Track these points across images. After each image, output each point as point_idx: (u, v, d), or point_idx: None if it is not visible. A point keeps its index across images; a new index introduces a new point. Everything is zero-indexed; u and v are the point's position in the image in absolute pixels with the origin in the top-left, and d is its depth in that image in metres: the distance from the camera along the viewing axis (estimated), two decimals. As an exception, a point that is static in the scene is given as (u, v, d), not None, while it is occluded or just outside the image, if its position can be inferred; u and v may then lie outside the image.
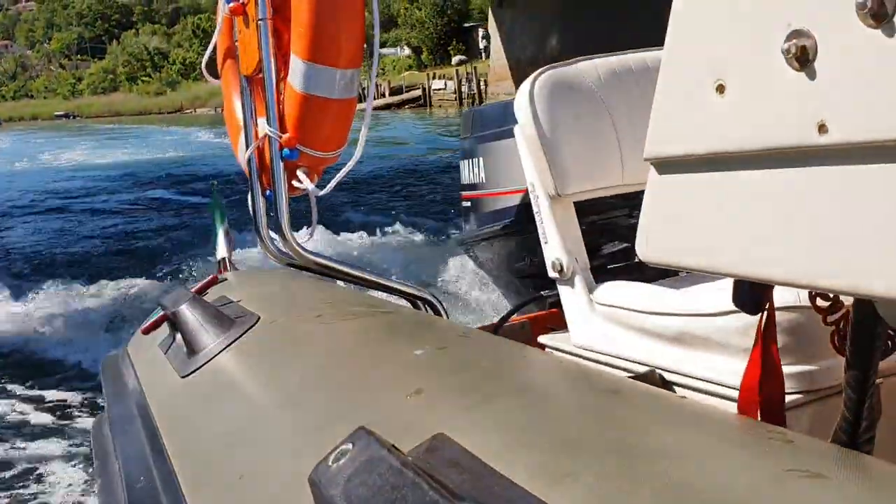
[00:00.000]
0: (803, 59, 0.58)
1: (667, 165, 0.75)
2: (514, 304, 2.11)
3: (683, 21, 0.72)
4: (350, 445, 0.64)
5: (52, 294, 6.22)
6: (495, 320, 2.03)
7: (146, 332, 1.72)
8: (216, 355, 1.27)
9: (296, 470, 0.68)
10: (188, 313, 1.41)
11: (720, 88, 0.67)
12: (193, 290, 1.67)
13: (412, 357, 1.03)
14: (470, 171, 2.35)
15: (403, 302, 1.82)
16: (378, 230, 7.34)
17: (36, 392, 4.20)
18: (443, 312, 1.86)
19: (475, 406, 0.81)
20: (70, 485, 3.00)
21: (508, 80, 26.32)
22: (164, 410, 1.28)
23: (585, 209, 1.70)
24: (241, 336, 1.29)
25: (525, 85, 1.55)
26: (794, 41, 0.59)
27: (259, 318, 1.35)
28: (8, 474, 3.20)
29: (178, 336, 1.41)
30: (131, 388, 1.53)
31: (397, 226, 7.50)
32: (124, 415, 1.41)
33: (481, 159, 2.29)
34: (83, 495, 2.89)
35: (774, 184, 0.64)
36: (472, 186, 2.36)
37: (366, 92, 1.73)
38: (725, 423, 0.77)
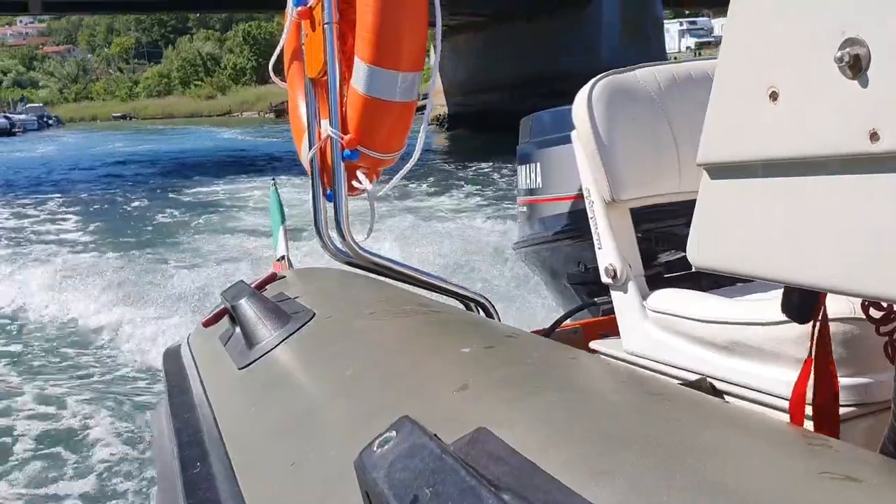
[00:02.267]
0: (856, 67, 0.59)
1: (719, 171, 0.75)
2: (568, 310, 2.10)
3: (737, 29, 0.73)
4: (394, 433, 0.66)
5: (113, 282, 6.47)
6: (548, 325, 2.02)
7: (207, 324, 1.76)
8: (272, 348, 1.30)
9: (344, 457, 0.70)
10: (247, 308, 1.44)
11: (773, 95, 0.67)
12: (253, 285, 1.70)
13: (459, 354, 1.04)
14: (527, 177, 2.35)
15: (456, 303, 1.83)
16: (433, 231, 7.38)
17: (99, 379, 4.33)
18: (494, 315, 1.86)
19: (518, 402, 0.82)
20: (129, 470, 3.08)
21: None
22: (222, 400, 1.31)
23: (643, 217, 1.68)
24: (296, 331, 1.32)
25: (583, 91, 1.55)
26: (848, 49, 0.59)
27: (314, 313, 1.37)
28: (71, 457, 3.30)
29: (237, 329, 1.44)
30: (191, 378, 1.56)
31: (452, 227, 7.53)
32: (183, 403, 1.45)
33: (538, 164, 2.28)
34: (142, 480, 2.96)
35: (827, 191, 0.64)
36: (529, 192, 2.36)
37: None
38: (767, 427, 0.77)
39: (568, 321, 2.03)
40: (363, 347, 1.21)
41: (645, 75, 1.61)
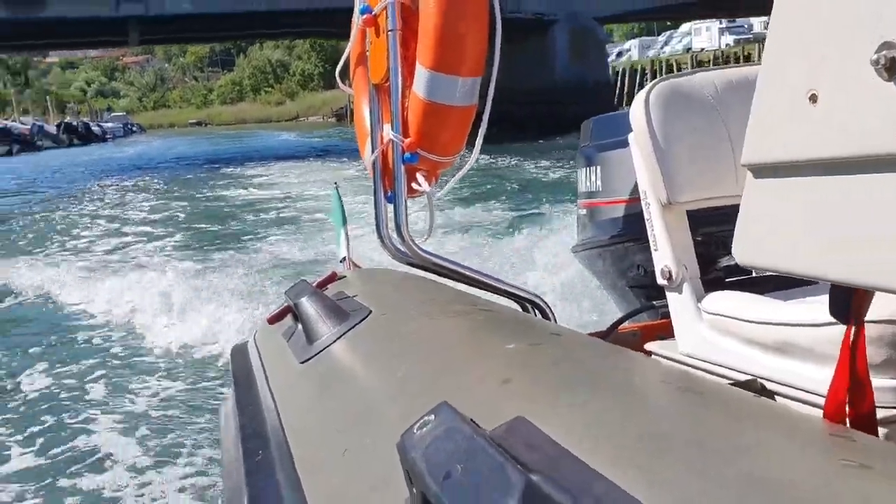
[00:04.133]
0: (893, 69, 0.60)
1: (763, 171, 0.78)
2: (626, 313, 2.09)
3: (779, 33, 0.75)
4: (432, 416, 0.70)
5: (188, 276, 6.78)
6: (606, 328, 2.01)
7: (271, 321, 1.83)
8: (331, 344, 1.35)
9: (391, 443, 0.73)
10: (308, 305, 1.50)
11: (813, 98, 0.69)
12: (314, 284, 1.76)
13: (505, 350, 1.06)
14: (587, 180, 2.34)
15: (514, 304, 1.84)
16: (491, 233, 7.43)
17: (172, 374, 4.52)
18: (550, 316, 1.86)
19: (560, 395, 0.84)
20: (200, 457, 3.21)
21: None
22: (283, 392, 1.36)
23: (703, 220, 1.67)
24: (353, 327, 1.37)
25: (641, 94, 1.56)
26: (885, 52, 0.61)
27: (371, 311, 1.42)
28: (146, 445, 3.46)
29: (299, 326, 1.50)
30: (256, 372, 1.62)
31: (510, 229, 7.56)
32: (248, 395, 1.51)
33: (599, 168, 2.28)
34: (209, 467, 3.09)
35: (867, 190, 0.65)
36: (589, 194, 2.35)
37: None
38: (814, 428, 0.77)
39: (627, 324, 2.02)
40: (414, 344, 1.25)
41: (702, 79, 1.61)
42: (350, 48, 1.95)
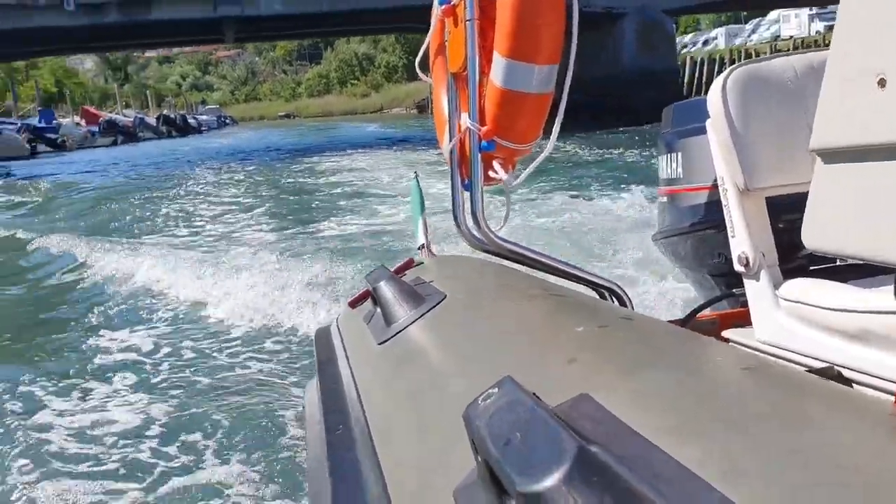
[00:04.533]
0: None
1: (831, 155, 0.78)
2: (705, 301, 2.05)
3: (848, 19, 0.75)
4: (496, 389, 0.73)
5: (273, 258, 7.08)
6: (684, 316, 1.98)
7: (352, 305, 1.90)
8: (407, 326, 1.40)
9: (458, 417, 0.76)
10: (386, 290, 1.55)
11: (881, 82, 0.69)
12: (392, 270, 1.81)
13: (574, 332, 1.08)
14: (668, 166, 2.30)
15: (592, 292, 1.84)
16: (569, 220, 7.38)
17: (262, 356, 4.72)
18: (628, 303, 1.85)
19: (626, 376, 0.85)
20: (284, 431, 3.37)
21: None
22: (362, 371, 1.43)
23: (785, 207, 1.62)
24: (428, 311, 1.41)
25: (718, 80, 1.53)
26: None
27: (446, 296, 1.46)
28: (235, 424, 3.65)
29: (378, 309, 1.55)
30: (338, 353, 1.69)
31: (589, 217, 7.48)
32: (330, 375, 1.58)
33: (679, 154, 2.23)
34: (295, 444, 3.23)
35: None
36: (670, 181, 2.31)
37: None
38: (888, 413, 0.74)
39: (706, 312, 1.98)
40: (485, 326, 1.28)
41: (781, 63, 1.57)
42: (429, 39, 1.99)
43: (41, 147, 40.18)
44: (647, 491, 0.56)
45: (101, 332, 5.74)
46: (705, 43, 46.33)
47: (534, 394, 0.71)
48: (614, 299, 1.84)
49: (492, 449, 0.65)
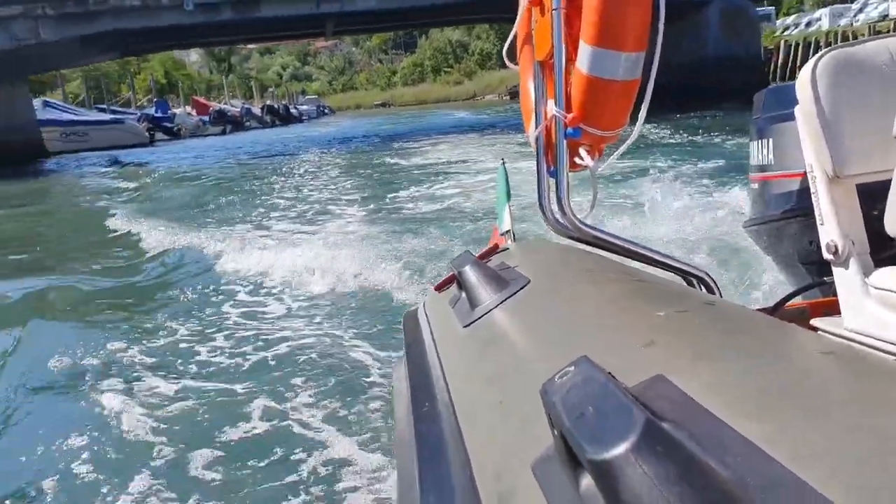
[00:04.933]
0: None
1: None
2: (795, 289, 1.99)
3: None
4: (573, 367, 0.76)
5: (365, 240, 7.32)
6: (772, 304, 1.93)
7: (438, 289, 1.95)
8: (491, 310, 1.42)
9: (538, 395, 0.78)
10: (471, 274, 1.59)
11: None
12: (477, 255, 1.85)
13: (654, 316, 1.08)
14: (759, 153, 2.23)
15: (679, 279, 1.81)
16: (658, 206, 7.20)
17: (352, 335, 4.89)
18: (717, 291, 1.81)
19: (703, 360, 0.85)
20: (375, 412, 3.49)
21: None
22: (448, 354, 1.47)
23: (878, 194, 1.56)
24: (512, 295, 1.43)
25: (808, 65, 1.48)
26: None
27: (529, 281, 1.48)
28: (326, 399, 3.81)
29: (463, 294, 1.59)
30: (425, 336, 1.73)
31: (675, 203, 7.27)
32: (417, 356, 1.62)
33: (770, 140, 2.16)
34: (382, 422, 3.36)
35: None
36: (761, 168, 2.24)
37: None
38: None
39: (796, 301, 1.92)
40: (567, 310, 1.30)
41: (875, 47, 1.49)
42: (516, 27, 2.01)
43: (159, 135, 43.34)
44: (713, 463, 0.58)
45: (203, 305, 6.10)
46: (808, 24, 43.66)
47: (609, 373, 0.73)
48: (702, 287, 1.81)
49: (566, 421, 0.68)
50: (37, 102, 37.35)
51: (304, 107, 77.76)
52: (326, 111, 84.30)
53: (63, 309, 6.61)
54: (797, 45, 36.17)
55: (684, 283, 1.81)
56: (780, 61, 35.46)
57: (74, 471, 3.26)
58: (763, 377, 0.79)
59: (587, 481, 0.66)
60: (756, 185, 2.32)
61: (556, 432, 0.72)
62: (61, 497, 3.10)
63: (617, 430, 0.61)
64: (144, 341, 5.30)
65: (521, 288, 1.45)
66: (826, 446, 0.61)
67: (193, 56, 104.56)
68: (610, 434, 0.62)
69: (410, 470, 1.13)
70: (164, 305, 6.40)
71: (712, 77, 28.13)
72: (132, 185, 18.93)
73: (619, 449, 0.60)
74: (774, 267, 2.52)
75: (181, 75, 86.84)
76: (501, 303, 1.43)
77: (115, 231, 10.71)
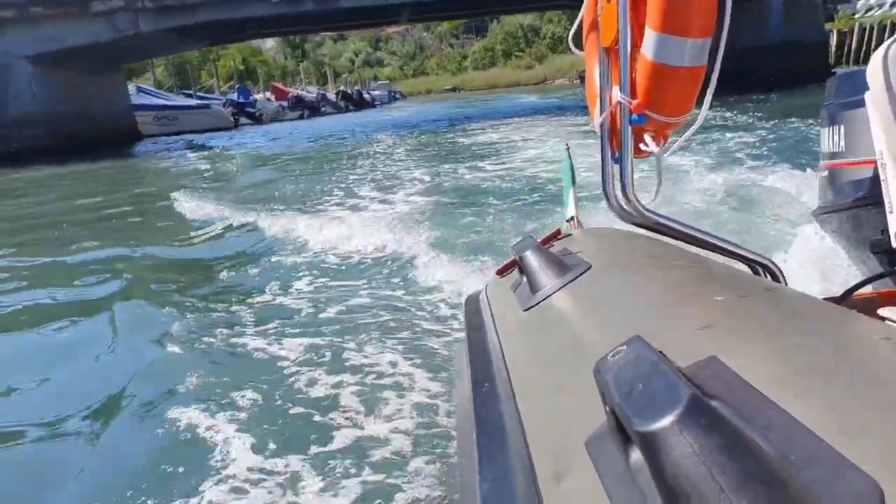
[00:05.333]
0: None
1: None
2: (865, 278, 1.92)
3: None
4: (625, 347, 0.78)
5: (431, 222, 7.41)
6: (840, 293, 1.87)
7: (500, 273, 1.99)
8: (551, 294, 1.45)
9: (592, 375, 0.81)
10: (531, 259, 1.60)
11: None
12: (539, 240, 1.86)
13: (713, 301, 1.08)
14: (829, 140, 2.15)
15: (743, 266, 1.78)
16: (718, 192, 6.99)
17: (416, 316, 4.97)
18: (782, 280, 1.78)
19: (759, 342, 0.85)
20: (439, 393, 3.56)
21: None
22: (508, 336, 1.49)
23: None
24: (572, 280, 1.45)
25: (880, 50, 1.43)
26: None
27: (590, 266, 1.49)
28: (389, 376, 3.89)
29: (524, 278, 1.61)
30: (486, 319, 1.76)
31: (739, 189, 7.04)
32: (478, 339, 1.66)
33: (842, 127, 2.08)
34: (443, 401, 3.42)
35: None
36: (831, 155, 2.16)
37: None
38: None
39: (865, 290, 1.86)
40: (627, 295, 1.32)
41: None
42: (583, 13, 2.01)
43: (242, 120, 45.75)
44: (757, 438, 0.60)
45: (279, 276, 6.31)
46: (893, 5, 41.06)
47: (660, 352, 0.75)
48: (767, 275, 1.78)
49: (616, 397, 0.71)
50: (131, 88, 40.39)
51: (376, 92, 78.97)
52: (398, 96, 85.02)
53: (145, 278, 6.99)
54: (871, 28, 34.46)
55: (748, 271, 1.79)
56: (853, 45, 34.15)
57: (169, 433, 3.44)
58: (817, 358, 0.79)
59: (636, 455, 0.68)
60: (826, 173, 2.25)
61: (607, 409, 0.75)
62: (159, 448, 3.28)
63: (664, 404, 0.64)
64: (224, 306, 5.57)
65: (582, 273, 1.47)
66: (874, 427, 0.61)
67: (269, 43, 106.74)
68: (657, 408, 0.64)
69: (470, 449, 1.16)
70: (246, 273, 6.74)
71: (773, 62, 27.79)
72: (219, 165, 19.90)
73: (665, 421, 0.62)
74: (842, 255, 2.44)
75: (258, 62, 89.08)
76: (562, 287, 1.45)
77: (199, 207, 11.21)
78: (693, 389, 0.65)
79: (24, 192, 17.08)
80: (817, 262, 3.53)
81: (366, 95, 70.59)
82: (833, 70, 30.93)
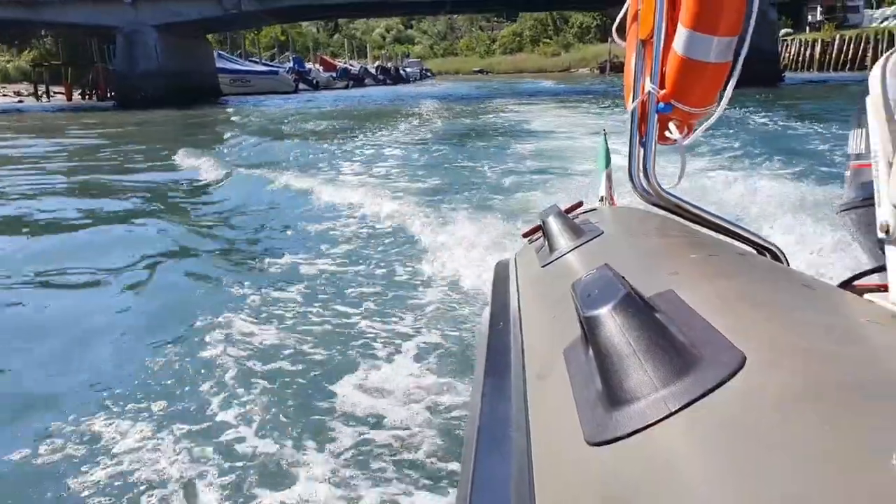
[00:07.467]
0: None
1: None
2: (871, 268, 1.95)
3: None
4: (594, 270, 0.95)
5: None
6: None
7: (525, 235, 2.07)
8: (565, 253, 1.55)
9: None
10: (553, 223, 1.72)
11: None
12: (564, 209, 1.94)
13: (690, 259, 1.20)
14: (855, 141, 2.18)
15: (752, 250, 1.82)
16: (753, 189, 6.91)
17: (448, 283, 4.87)
18: (784, 262, 1.82)
19: (715, 285, 0.96)
20: (457, 362, 3.56)
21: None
22: (525, 290, 1.59)
23: None
24: (584, 243, 1.55)
25: (880, 61, 1.45)
26: None
27: (603, 232, 1.60)
28: (417, 341, 3.88)
29: (546, 241, 1.72)
30: (510, 278, 1.84)
31: (768, 187, 6.97)
32: (502, 296, 1.74)
33: (864, 130, 2.10)
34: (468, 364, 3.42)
35: None
36: (857, 156, 2.19)
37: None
38: None
39: (864, 282, 1.88)
40: (627, 256, 1.42)
41: None
42: (627, 5, 2.02)
43: (301, 86, 51.34)
44: (672, 329, 0.73)
45: (311, 244, 6.31)
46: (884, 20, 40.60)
47: (622, 277, 0.87)
48: (771, 258, 1.82)
49: (577, 301, 0.85)
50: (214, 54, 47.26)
51: (410, 69, 78.88)
52: (428, 74, 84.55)
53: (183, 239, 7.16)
54: (812, 42, 37.93)
55: (755, 254, 1.82)
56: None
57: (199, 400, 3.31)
58: (770, 311, 0.88)
59: (589, 349, 0.80)
60: (849, 173, 2.28)
61: (578, 320, 0.86)
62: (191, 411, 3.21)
63: (606, 298, 0.79)
64: (258, 262, 5.72)
65: (595, 237, 1.58)
66: (772, 336, 0.74)
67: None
68: (600, 300, 0.80)
69: (479, 371, 1.26)
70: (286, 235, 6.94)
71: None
72: (288, 119, 23.55)
73: (603, 309, 0.77)
74: (861, 252, 2.46)
75: (296, 33, 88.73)
76: (576, 248, 1.55)
77: (265, 159, 12.46)
78: (629, 290, 0.79)
79: (144, 121, 25.68)
80: (835, 257, 3.51)
81: (402, 71, 71.69)
82: (782, 75, 34.42)
